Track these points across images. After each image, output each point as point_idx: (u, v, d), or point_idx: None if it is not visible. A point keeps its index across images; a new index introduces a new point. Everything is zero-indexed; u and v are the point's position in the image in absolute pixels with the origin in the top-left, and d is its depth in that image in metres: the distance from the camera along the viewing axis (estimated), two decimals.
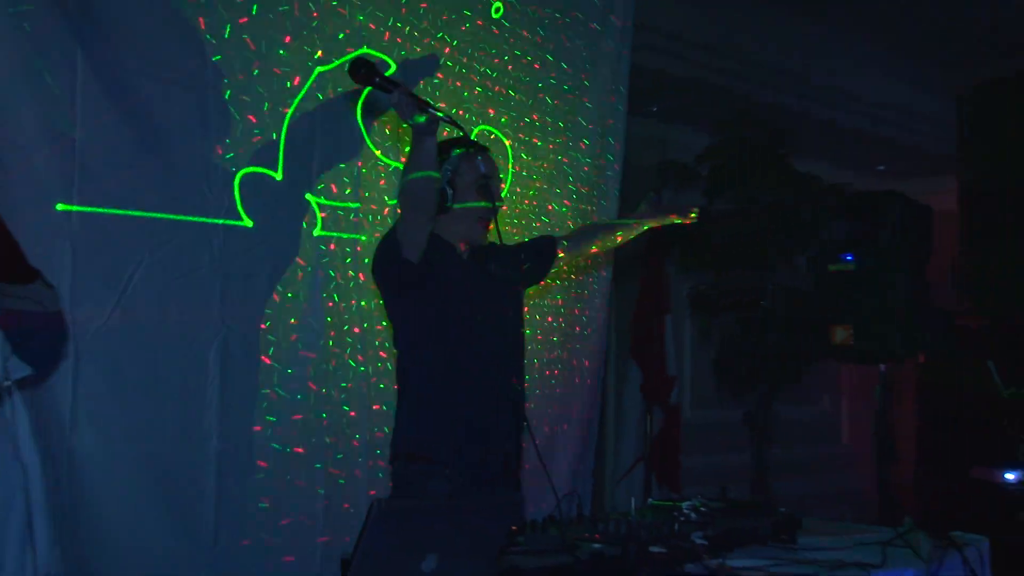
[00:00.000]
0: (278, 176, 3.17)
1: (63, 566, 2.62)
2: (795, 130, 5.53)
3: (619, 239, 3.17)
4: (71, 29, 2.70)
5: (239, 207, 3.05)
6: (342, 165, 3.33)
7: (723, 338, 5.46)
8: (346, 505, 3.26)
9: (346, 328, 3.32)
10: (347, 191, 3.34)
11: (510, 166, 3.80)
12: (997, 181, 4.58)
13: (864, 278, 3.76)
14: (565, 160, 4.04)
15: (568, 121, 4.04)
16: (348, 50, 3.28)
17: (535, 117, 3.92)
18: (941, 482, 5.30)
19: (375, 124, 3.43)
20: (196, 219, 2.97)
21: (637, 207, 3.16)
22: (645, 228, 3.16)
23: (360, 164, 3.38)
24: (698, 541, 2.21)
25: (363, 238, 3.34)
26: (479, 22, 3.71)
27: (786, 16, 5.94)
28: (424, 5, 3.53)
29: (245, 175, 3.08)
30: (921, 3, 5.58)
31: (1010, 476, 4.79)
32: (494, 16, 3.77)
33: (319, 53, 3.25)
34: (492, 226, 2.69)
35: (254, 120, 3.10)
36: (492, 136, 3.73)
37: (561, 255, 3.03)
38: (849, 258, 3.94)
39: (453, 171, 2.66)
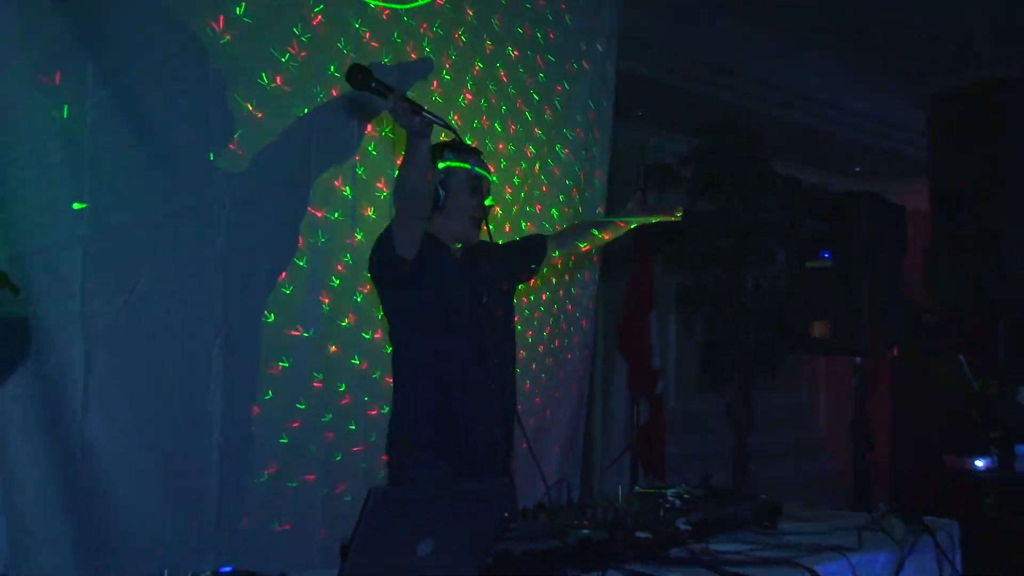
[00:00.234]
0: (278, 176, 3.26)
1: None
2: (775, 135, 5.65)
3: (607, 237, 3.22)
4: (80, 39, 2.81)
5: (240, 207, 3.13)
6: (341, 165, 3.43)
7: (705, 333, 5.60)
8: (340, 489, 3.34)
9: (344, 324, 3.41)
10: (345, 191, 3.45)
11: (500, 167, 3.91)
12: (965, 183, 4.72)
13: (839, 275, 3.86)
14: (557, 170, 4.15)
15: (555, 130, 4.14)
16: (348, 58, 3.36)
17: (526, 120, 4.02)
18: (915, 469, 5.45)
19: (371, 126, 3.55)
20: (200, 219, 3.06)
21: (625, 206, 3.23)
22: (632, 226, 3.24)
23: (358, 162, 3.48)
24: (682, 527, 2.27)
25: (360, 236, 3.43)
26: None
27: (768, 31, 6.04)
28: (424, 27, 3.64)
29: (245, 175, 3.16)
30: (893, 18, 5.71)
31: (980, 463, 4.89)
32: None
33: (321, 61, 3.34)
34: (485, 227, 2.80)
35: (255, 123, 3.18)
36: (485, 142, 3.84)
37: (551, 253, 3.10)
38: (827, 256, 4.06)
39: (446, 172, 2.75)
